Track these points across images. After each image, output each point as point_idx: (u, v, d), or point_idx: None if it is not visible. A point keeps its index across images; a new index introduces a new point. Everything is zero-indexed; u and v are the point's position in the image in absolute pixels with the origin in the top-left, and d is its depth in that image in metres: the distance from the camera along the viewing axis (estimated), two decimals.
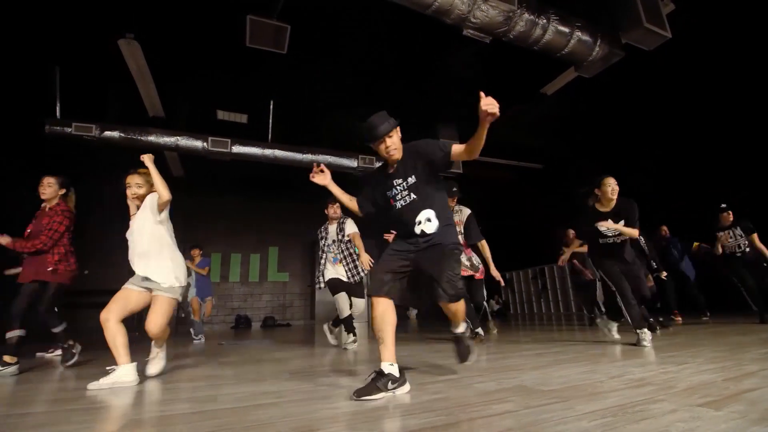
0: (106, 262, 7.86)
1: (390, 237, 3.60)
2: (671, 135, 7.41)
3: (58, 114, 5.85)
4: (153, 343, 2.45)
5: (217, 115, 7.27)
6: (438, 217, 1.92)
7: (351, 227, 4.05)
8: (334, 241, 4.04)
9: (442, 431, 1.18)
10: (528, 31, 4.26)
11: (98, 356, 3.35)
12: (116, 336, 2.24)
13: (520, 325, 6.44)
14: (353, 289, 3.94)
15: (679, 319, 5.14)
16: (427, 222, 1.91)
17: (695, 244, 5.76)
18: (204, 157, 6.82)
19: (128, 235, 2.46)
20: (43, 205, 3.24)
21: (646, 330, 2.98)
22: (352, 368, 2.55)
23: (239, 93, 6.76)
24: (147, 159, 2.45)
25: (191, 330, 5.57)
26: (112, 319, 2.26)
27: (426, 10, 3.97)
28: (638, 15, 4.19)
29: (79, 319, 7.53)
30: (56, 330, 3.19)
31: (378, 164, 7.02)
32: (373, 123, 1.91)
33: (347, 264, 3.96)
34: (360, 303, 3.95)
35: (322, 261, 4.03)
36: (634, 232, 3.18)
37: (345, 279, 3.91)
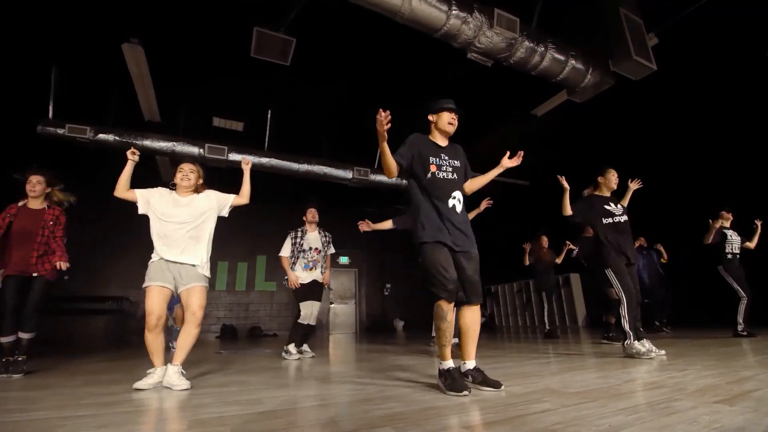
0: (88, 267, 7.68)
1: (364, 225, 3.91)
2: (655, 158, 7.88)
3: (50, 114, 5.72)
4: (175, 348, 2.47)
5: (213, 122, 7.26)
6: (463, 204, 2.17)
7: (331, 250, 4.30)
8: (311, 249, 4.11)
9: (502, 425, 1.30)
10: (527, 57, 4.54)
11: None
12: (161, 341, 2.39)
13: (509, 337, 6.64)
14: (317, 293, 4.06)
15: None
16: (459, 202, 2.14)
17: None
18: (202, 165, 6.78)
19: (167, 218, 2.48)
20: (22, 203, 3.22)
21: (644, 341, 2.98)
22: (361, 372, 2.63)
23: (237, 101, 6.79)
24: (245, 164, 2.85)
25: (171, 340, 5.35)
26: (161, 325, 2.37)
27: (435, 33, 4.19)
28: (628, 47, 4.54)
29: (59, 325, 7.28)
30: (28, 336, 3.01)
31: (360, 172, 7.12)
32: (446, 99, 2.25)
33: (319, 269, 4.13)
34: (317, 306, 4.03)
35: (295, 265, 4.05)
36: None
37: (320, 280, 4.08)
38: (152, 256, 2.44)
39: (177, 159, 6.85)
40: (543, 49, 4.54)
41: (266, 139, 7.11)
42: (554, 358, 3.17)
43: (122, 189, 2.48)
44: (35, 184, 3.21)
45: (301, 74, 6.00)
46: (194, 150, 6.46)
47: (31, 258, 3.07)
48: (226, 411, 1.62)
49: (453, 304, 1.96)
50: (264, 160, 6.98)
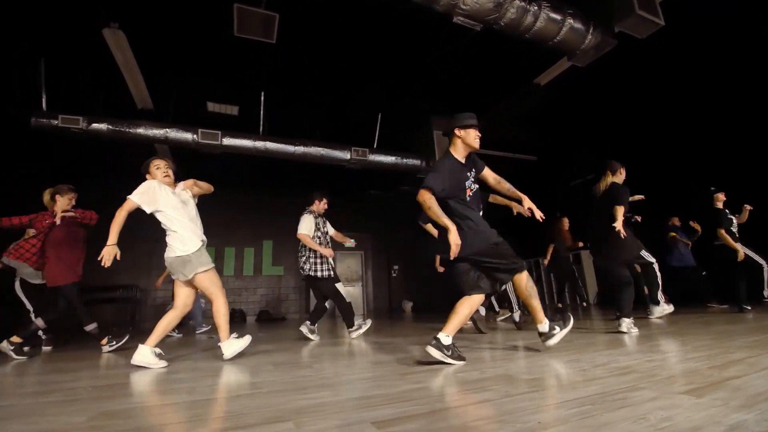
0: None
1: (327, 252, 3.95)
2: (667, 126, 7.39)
3: (44, 106, 5.74)
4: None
5: (208, 107, 7.16)
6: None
7: (331, 230, 4.30)
8: (327, 233, 4.20)
9: (417, 420, 1.14)
10: (519, 18, 4.19)
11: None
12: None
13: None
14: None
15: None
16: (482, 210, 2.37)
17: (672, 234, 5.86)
18: (195, 151, 6.74)
19: (181, 206, 2.72)
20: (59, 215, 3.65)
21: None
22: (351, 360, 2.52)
23: (230, 84, 6.65)
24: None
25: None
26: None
27: None
28: (631, 2, 4.13)
29: None
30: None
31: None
32: (471, 115, 2.32)
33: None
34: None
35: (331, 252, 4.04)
36: None
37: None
38: (193, 243, 2.63)
39: (171, 146, 6.86)
40: (536, 8, 4.17)
41: (260, 123, 6.97)
42: (537, 338, 2.96)
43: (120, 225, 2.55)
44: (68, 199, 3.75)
45: (290, 53, 5.80)
46: (188, 136, 6.39)
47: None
48: (146, 402, 1.53)
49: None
50: (259, 144, 6.86)
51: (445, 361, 1.99)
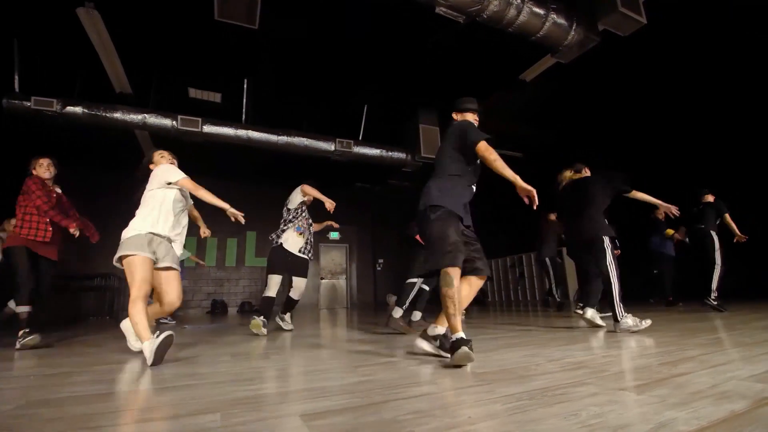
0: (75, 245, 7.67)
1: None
2: (653, 123, 7.45)
3: (16, 88, 5.56)
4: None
5: (189, 93, 7.01)
6: None
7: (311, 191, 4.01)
8: (306, 218, 4.00)
9: (347, 414, 1.11)
10: (502, 11, 4.14)
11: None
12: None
13: (497, 312, 6.45)
14: (299, 267, 3.81)
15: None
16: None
17: (669, 231, 5.89)
18: (176, 138, 6.60)
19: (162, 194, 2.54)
20: (50, 187, 3.43)
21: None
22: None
23: (212, 71, 6.51)
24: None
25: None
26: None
27: None
28: None
29: None
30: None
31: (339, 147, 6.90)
32: (472, 99, 2.36)
33: (306, 237, 3.90)
34: (302, 283, 3.83)
35: (286, 228, 3.87)
36: None
37: (298, 254, 3.81)
38: (135, 227, 2.43)
39: (151, 133, 6.71)
40: (519, 1, 4.13)
41: (243, 111, 6.85)
42: (504, 334, 2.96)
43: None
44: (50, 167, 3.44)
45: (274, 40, 5.68)
46: (167, 122, 6.25)
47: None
48: (79, 391, 1.47)
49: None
50: (241, 133, 6.74)
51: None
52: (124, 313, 7.78)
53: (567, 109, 7.56)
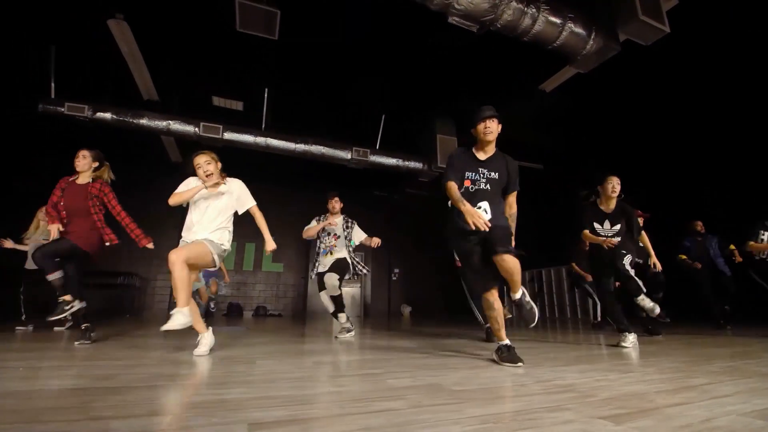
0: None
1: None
2: (676, 134, 7.12)
3: (52, 94, 5.89)
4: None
5: (213, 101, 7.24)
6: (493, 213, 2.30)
7: (359, 235, 4.20)
8: (330, 235, 4.08)
9: (294, 425, 1.06)
10: (516, 20, 4.07)
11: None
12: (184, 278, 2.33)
13: (513, 327, 6.23)
14: (337, 268, 3.92)
15: None
16: (485, 212, 2.29)
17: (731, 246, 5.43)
18: (198, 143, 6.81)
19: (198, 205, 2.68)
20: (72, 178, 3.28)
21: (627, 333, 3.01)
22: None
23: (234, 80, 6.71)
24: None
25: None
26: (179, 262, 2.31)
27: None
28: (634, 7, 3.97)
29: None
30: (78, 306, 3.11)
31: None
32: (481, 108, 2.38)
33: (352, 260, 4.06)
34: (335, 277, 3.86)
35: (319, 251, 4.07)
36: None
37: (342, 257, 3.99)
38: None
39: (175, 138, 6.96)
40: (534, 10, 4.05)
41: (263, 119, 7.00)
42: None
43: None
44: (81, 158, 3.27)
45: (293, 50, 5.80)
46: (189, 129, 6.47)
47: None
48: (60, 384, 1.49)
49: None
50: (260, 140, 6.89)
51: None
52: (143, 313, 8.04)
53: (588, 119, 7.33)
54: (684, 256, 5.35)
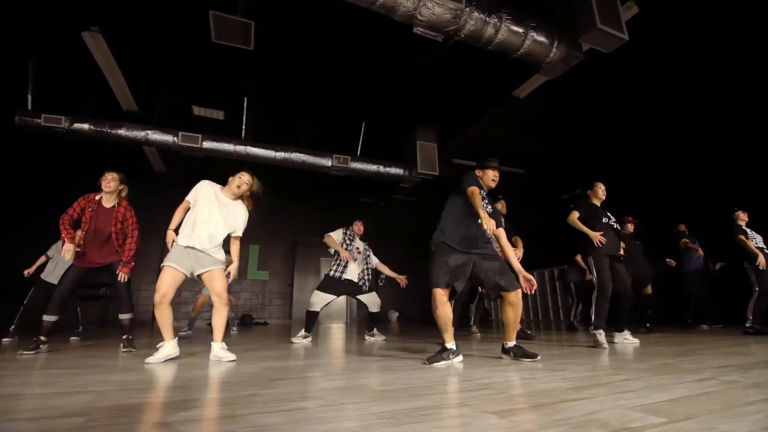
0: None
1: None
2: (653, 137, 7.28)
3: (29, 106, 5.94)
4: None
5: (193, 110, 7.31)
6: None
7: (375, 259, 4.98)
8: (355, 246, 4.65)
9: (201, 423, 1.12)
10: (479, 29, 4.17)
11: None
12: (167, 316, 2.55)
13: (497, 330, 6.30)
14: (358, 290, 4.53)
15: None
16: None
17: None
18: (179, 153, 6.88)
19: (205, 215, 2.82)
20: (98, 197, 3.31)
21: (602, 331, 3.21)
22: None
23: (214, 89, 6.79)
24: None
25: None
26: (165, 302, 2.53)
27: (371, 6, 3.92)
28: (593, 16, 4.09)
29: None
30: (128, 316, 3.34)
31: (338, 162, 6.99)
32: (493, 158, 2.76)
33: (365, 273, 4.64)
34: (373, 296, 4.64)
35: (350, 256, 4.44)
36: None
37: (355, 280, 4.51)
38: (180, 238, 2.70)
39: (155, 148, 7.01)
40: (496, 20, 4.16)
41: (243, 128, 7.08)
42: (468, 352, 2.89)
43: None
44: (110, 180, 3.30)
45: (270, 60, 5.89)
46: (168, 138, 6.53)
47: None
48: (34, 391, 1.54)
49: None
50: (240, 148, 6.96)
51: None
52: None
53: (566, 123, 7.47)
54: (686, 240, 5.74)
